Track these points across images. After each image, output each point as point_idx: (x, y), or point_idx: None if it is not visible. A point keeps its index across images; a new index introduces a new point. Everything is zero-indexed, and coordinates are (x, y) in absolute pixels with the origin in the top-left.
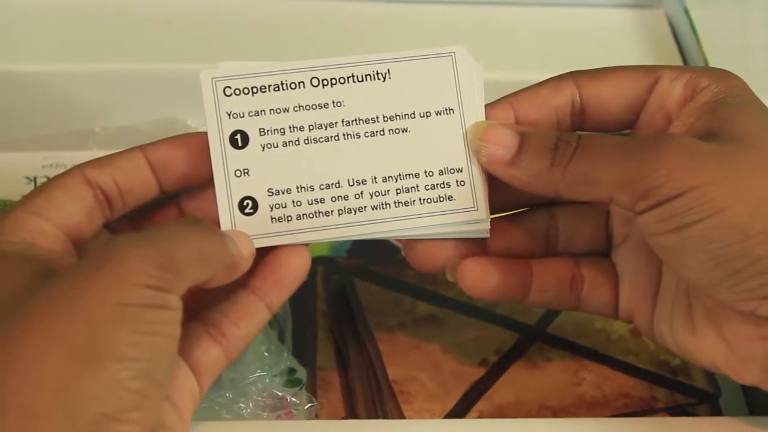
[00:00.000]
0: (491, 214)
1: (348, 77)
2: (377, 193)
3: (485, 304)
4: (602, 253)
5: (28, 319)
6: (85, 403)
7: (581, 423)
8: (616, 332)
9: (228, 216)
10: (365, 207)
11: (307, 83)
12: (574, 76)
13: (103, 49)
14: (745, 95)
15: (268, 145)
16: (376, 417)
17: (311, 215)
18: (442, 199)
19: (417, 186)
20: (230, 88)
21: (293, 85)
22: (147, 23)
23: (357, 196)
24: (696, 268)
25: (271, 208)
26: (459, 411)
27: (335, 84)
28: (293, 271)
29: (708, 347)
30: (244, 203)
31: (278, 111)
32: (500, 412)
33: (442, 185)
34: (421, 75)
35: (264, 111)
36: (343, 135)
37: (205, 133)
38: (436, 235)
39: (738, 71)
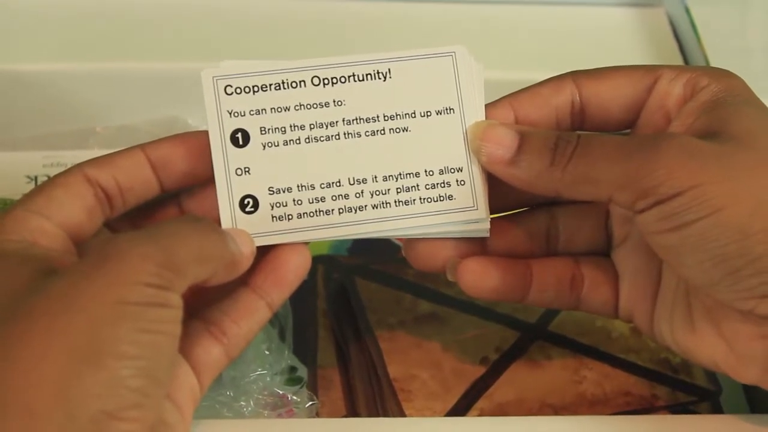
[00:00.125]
0: (491, 213)
1: (349, 76)
2: (378, 192)
3: (486, 303)
4: (602, 252)
5: (29, 317)
6: (86, 401)
7: (582, 421)
8: (617, 330)
9: (229, 214)
10: (366, 206)
11: (308, 82)
12: (574, 75)
13: (104, 48)
14: (745, 95)
15: (269, 144)
16: (377, 415)
17: (312, 214)
18: (442, 198)
19: (417, 185)
20: (231, 86)
21: (294, 84)
22: (148, 22)
23: (357, 195)
24: (695, 267)
25: (272, 207)
26: (460, 409)
27: (336, 83)
28: (294, 270)
29: (708, 346)
30: (245, 202)
31: (279, 110)
32: (501, 411)
33: (443, 185)
34: (421, 74)
35: (265, 110)
36: (344, 134)
37: (206, 132)
38: (436, 235)
39: (738, 70)
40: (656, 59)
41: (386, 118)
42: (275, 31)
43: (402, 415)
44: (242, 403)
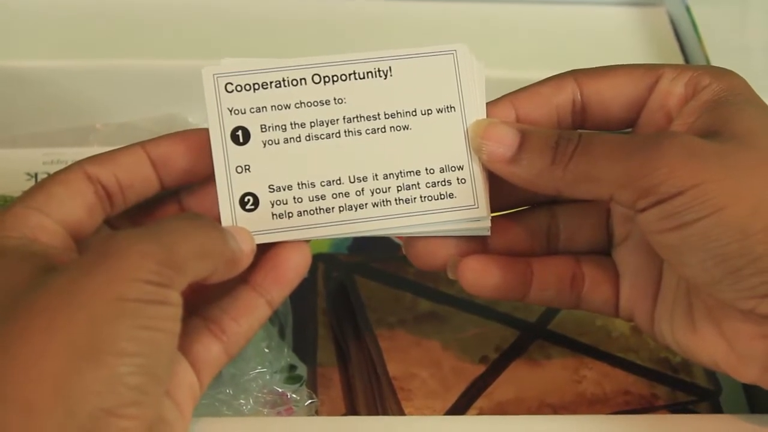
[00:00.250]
0: (492, 212)
1: (350, 74)
2: (378, 191)
3: (486, 301)
4: (603, 251)
5: (29, 314)
6: (85, 398)
7: (581, 420)
8: (617, 329)
9: (229, 212)
10: (366, 204)
11: (309, 80)
12: (575, 74)
13: (104, 45)
14: (746, 94)
15: (270, 142)
16: (377, 414)
17: (312, 212)
18: (443, 196)
19: (418, 183)
20: (232, 84)
21: (295, 82)
22: (148, 20)
23: (358, 193)
24: (696, 266)
25: (272, 205)
26: (459, 408)
27: (337, 81)
28: (294, 268)
29: (708, 346)
30: (245, 199)
31: (280, 107)
32: (500, 409)
33: (443, 183)
34: (422, 73)
35: (265, 107)
36: (345, 132)
37: (206, 130)
38: (436, 233)
39: (739, 69)
40: (657, 58)
41: (387, 116)
42: (276, 29)
43: (401, 413)
44: (242, 401)
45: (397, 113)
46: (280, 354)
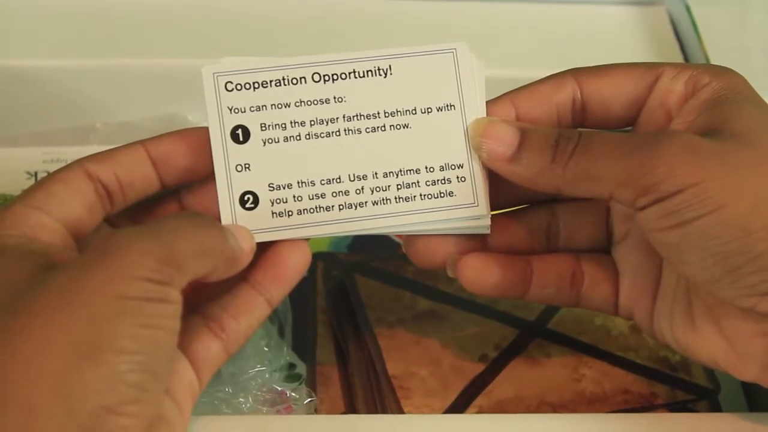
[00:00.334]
0: (492, 210)
1: (349, 73)
2: (378, 189)
3: (485, 300)
4: (603, 249)
5: (29, 312)
6: (85, 396)
7: (581, 419)
8: (616, 328)
9: (229, 210)
10: (366, 202)
11: (309, 79)
12: (575, 73)
13: (104, 44)
14: (746, 93)
15: (269, 140)
16: (376, 412)
17: (312, 210)
18: (442, 194)
19: (418, 182)
20: (232, 83)
21: (294, 81)
22: (148, 19)
23: (358, 192)
24: (696, 264)
25: (272, 203)
26: (458, 406)
27: (336, 79)
28: (293, 266)
29: (708, 344)
30: (245, 198)
31: (279, 106)
32: (500, 408)
33: (443, 181)
34: (422, 71)
35: (265, 106)
36: (344, 130)
37: (206, 128)
38: (436, 231)
39: (739, 68)
40: (657, 57)
41: (387, 114)
42: (276, 28)
43: (400, 412)
44: (241, 399)
45: (397, 112)
46: (280, 352)
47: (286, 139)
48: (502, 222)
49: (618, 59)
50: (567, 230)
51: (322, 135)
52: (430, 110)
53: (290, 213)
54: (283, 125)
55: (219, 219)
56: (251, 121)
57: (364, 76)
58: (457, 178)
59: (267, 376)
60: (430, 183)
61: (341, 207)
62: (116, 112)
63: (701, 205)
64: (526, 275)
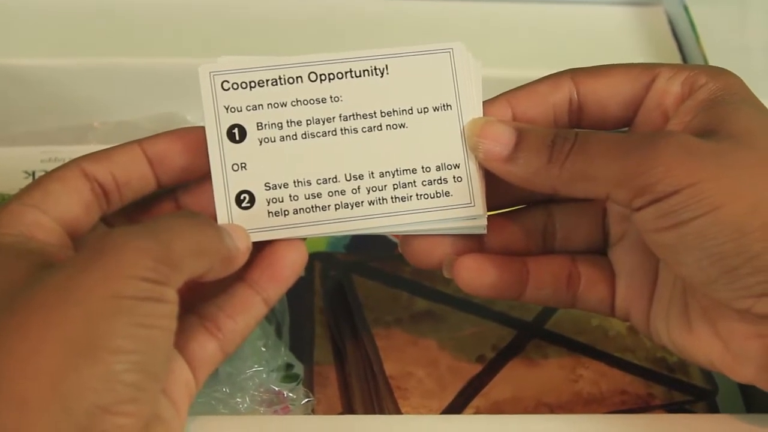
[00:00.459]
0: (489, 211)
1: (346, 72)
2: (374, 188)
3: (483, 301)
4: (599, 251)
5: (25, 310)
6: (81, 394)
7: (578, 420)
8: (614, 329)
9: (225, 210)
10: (362, 202)
11: (305, 78)
12: (572, 73)
13: (102, 44)
14: (743, 93)
15: (266, 140)
16: (373, 413)
17: (308, 210)
18: (439, 194)
19: (414, 181)
20: (228, 82)
21: (291, 80)
22: (147, 18)
23: (354, 191)
24: (692, 265)
25: (268, 203)
26: (456, 407)
27: (333, 79)
28: (290, 265)
29: (704, 345)
30: (241, 197)
31: (276, 105)
32: (497, 409)
33: (440, 181)
34: (419, 71)
35: (262, 105)
36: (341, 130)
37: (203, 128)
38: (433, 231)
39: (737, 69)
40: (655, 58)
41: (383, 114)
42: (273, 28)
43: (398, 412)
44: (238, 399)
45: (394, 111)
46: (277, 353)
47: (282, 139)
48: (499, 222)
49: (616, 59)
50: (563, 231)
51: (319, 134)
52: (426, 110)
53: (286, 212)
54: (280, 124)
55: (215, 218)
56: (248, 121)
57: (360, 76)
58: (454, 178)
59: (264, 376)
60: (427, 183)
61: (337, 206)
62: (114, 111)
63: (698, 206)
64: (523, 276)
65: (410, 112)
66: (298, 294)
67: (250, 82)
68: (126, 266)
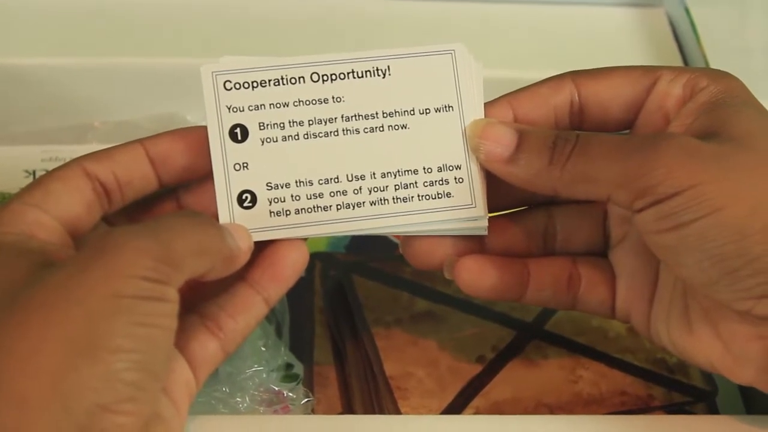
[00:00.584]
0: (490, 212)
1: (348, 73)
2: (376, 189)
3: (483, 301)
4: (600, 252)
5: (26, 309)
6: (82, 393)
7: (577, 420)
8: (614, 330)
9: (227, 209)
10: (364, 202)
11: (307, 78)
12: (573, 75)
13: (103, 43)
14: (744, 96)
15: (268, 140)
16: (373, 413)
17: (310, 210)
18: (440, 195)
19: (416, 182)
20: (230, 82)
21: (293, 80)
22: (147, 17)
23: (356, 192)
24: (693, 266)
25: (270, 202)
26: (455, 407)
27: (335, 79)
28: (291, 265)
29: (704, 347)
30: (243, 197)
31: (278, 105)
32: (497, 409)
33: (441, 182)
34: (420, 72)
35: (264, 105)
36: (343, 130)
37: (205, 127)
38: (433, 232)
39: (738, 71)
40: (656, 59)
41: (385, 115)
42: (275, 28)
43: (397, 412)
44: (238, 399)
45: (395, 112)
46: (277, 352)
47: (284, 139)
48: (500, 224)
49: (617, 61)
50: (564, 233)
51: (321, 135)
52: (428, 111)
53: (288, 212)
54: (282, 125)
55: (217, 218)
56: (250, 121)
57: (362, 77)
58: (455, 179)
59: (264, 375)
60: (428, 184)
61: (339, 207)
62: (115, 110)
63: (699, 208)
64: (523, 278)
65: (412, 113)
66: (298, 294)
67: (252, 82)
68: (127, 265)
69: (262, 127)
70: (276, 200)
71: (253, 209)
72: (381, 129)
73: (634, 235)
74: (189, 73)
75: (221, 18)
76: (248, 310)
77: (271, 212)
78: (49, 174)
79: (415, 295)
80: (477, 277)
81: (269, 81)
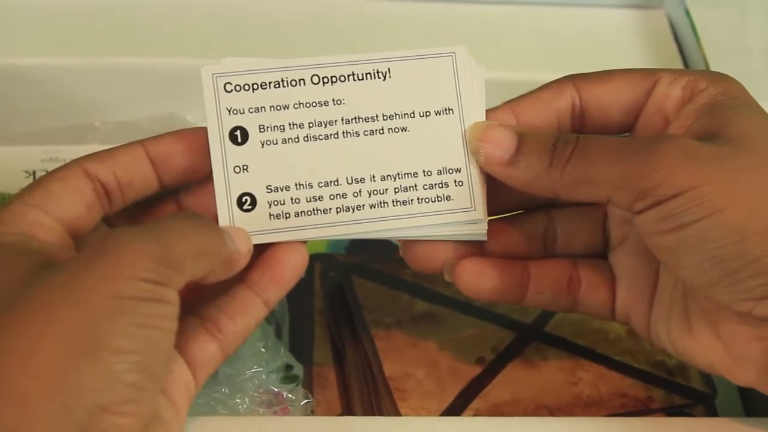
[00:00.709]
0: (490, 215)
1: (348, 75)
2: (376, 192)
3: (483, 303)
4: (599, 255)
5: (26, 309)
6: (82, 394)
7: (577, 422)
8: (613, 332)
9: (226, 212)
10: (363, 205)
11: (308, 80)
12: (574, 79)
13: (103, 43)
14: (743, 98)
15: (268, 142)
16: (372, 414)
17: (309, 213)
18: (440, 198)
19: (415, 185)
20: (231, 84)
21: (294, 83)
22: (148, 18)
23: (356, 195)
24: (693, 268)
25: (270, 205)
26: (455, 409)
27: (336, 82)
28: (290, 268)
29: (705, 348)
30: (243, 199)
31: (278, 108)
32: (496, 411)
33: (441, 185)
34: (421, 74)
35: (264, 107)
36: (343, 133)
37: (205, 129)
38: (433, 236)
39: (738, 72)
40: (656, 61)
41: (385, 117)
42: (276, 29)
43: (397, 414)
44: (237, 400)
45: (396, 115)
46: (277, 354)
47: (284, 141)
48: (500, 227)
49: (618, 63)
50: (564, 235)
51: (321, 137)
52: (428, 114)
53: (288, 215)
54: (282, 127)
55: (217, 220)
56: (250, 123)
57: (363, 79)
58: (455, 182)
59: (264, 377)
60: (428, 187)
61: (339, 210)
62: (115, 111)
63: (699, 209)
64: (523, 280)
65: (412, 115)
66: (298, 295)
67: (252, 84)
68: (127, 267)
69: (262, 130)
70: (276, 203)
71: (252, 212)
72: (381, 132)
73: (634, 237)
74: (189, 73)
75: (221, 18)
76: (248, 312)
77: (270, 215)
78: (50, 174)
79: (415, 297)
80: (477, 279)
81: (269, 83)
